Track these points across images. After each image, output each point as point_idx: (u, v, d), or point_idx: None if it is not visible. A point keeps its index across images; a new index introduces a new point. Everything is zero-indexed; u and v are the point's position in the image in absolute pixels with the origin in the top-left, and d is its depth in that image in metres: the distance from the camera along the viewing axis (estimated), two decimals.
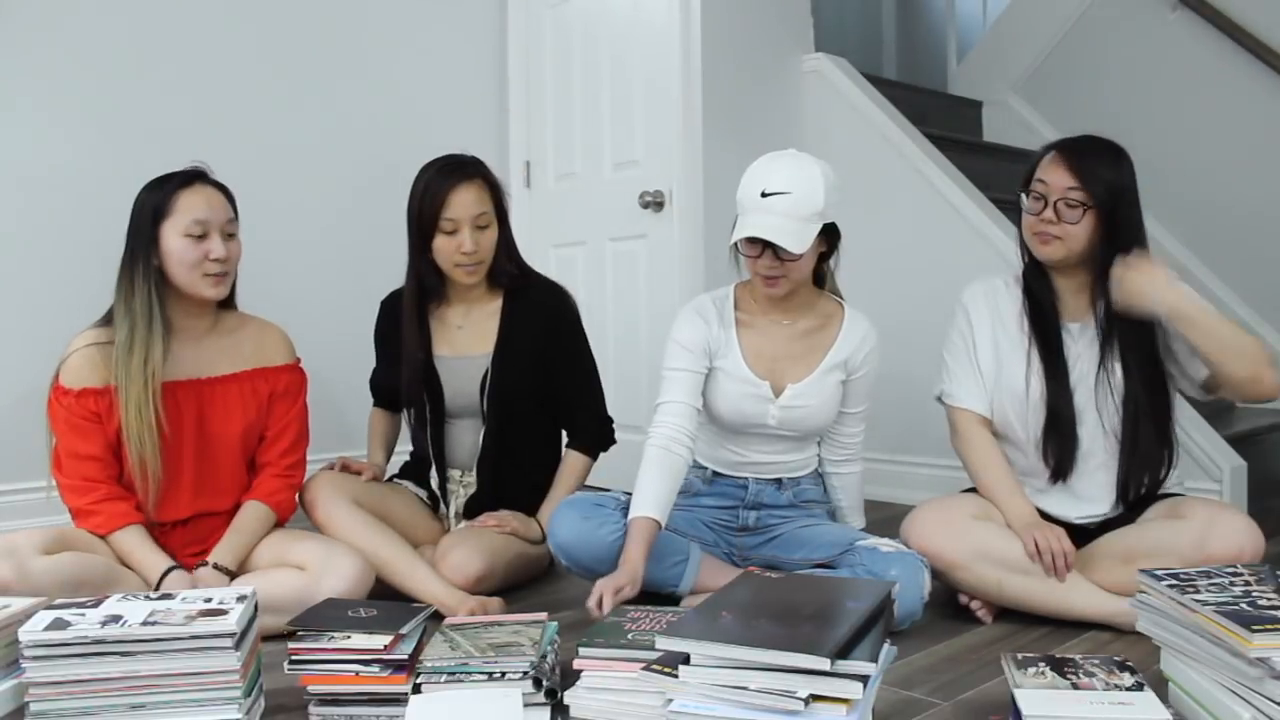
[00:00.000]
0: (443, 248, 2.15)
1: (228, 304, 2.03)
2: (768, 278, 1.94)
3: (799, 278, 1.97)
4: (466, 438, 2.28)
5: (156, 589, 1.81)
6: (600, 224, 3.34)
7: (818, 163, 1.92)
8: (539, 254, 3.59)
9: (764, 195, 1.87)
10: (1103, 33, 3.88)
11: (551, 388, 2.28)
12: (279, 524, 2.04)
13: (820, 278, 2.10)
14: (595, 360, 2.36)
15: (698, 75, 3.05)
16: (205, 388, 1.97)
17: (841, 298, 2.13)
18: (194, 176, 1.93)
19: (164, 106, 3.02)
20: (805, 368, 2.03)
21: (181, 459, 1.94)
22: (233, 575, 1.90)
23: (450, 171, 2.16)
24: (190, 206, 1.88)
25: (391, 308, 2.34)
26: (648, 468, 1.91)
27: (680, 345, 2.01)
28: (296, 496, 2.08)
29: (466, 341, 2.26)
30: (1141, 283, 1.80)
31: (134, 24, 2.98)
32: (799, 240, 1.86)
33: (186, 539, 1.98)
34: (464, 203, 2.13)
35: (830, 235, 1.99)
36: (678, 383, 1.99)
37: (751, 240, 1.90)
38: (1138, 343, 1.89)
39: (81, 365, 1.88)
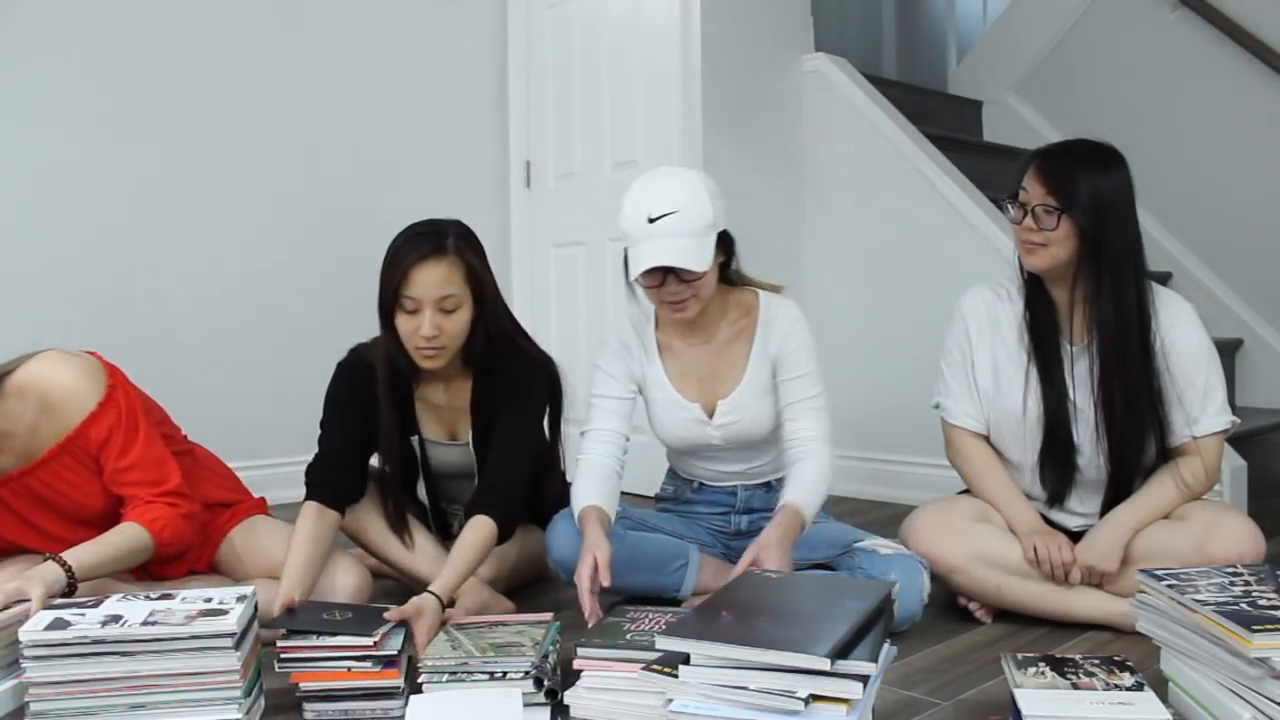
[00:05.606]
0: (402, 327, 1.92)
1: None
2: (675, 304, 1.85)
3: (707, 295, 1.88)
4: (462, 487, 2.17)
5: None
6: (600, 224, 3.33)
7: (695, 173, 1.87)
8: (539, 254, 3.60)
9: (651, 220, 1.77)
10: (1102, 33, 3.88)
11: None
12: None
13: (728, 278, 1.99)
14: (540, 441, 2.09)
15: (697, 75, 3.05)
16: (30, 477, 1.77)
17: (757, 283, 2.02)
18: None
19: (162, 107, 3.01)
20: (732, 380, 1.97)
21: (53, 541, 1.75)
22: (72, 581, 1.59)
23: (418, 244, 1.89)
24: None
25: (352, 374, 2.03)
26: (579, 478, 1.88)
27: (605, 373, 1.98)
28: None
29: (452, 422, 2.10)
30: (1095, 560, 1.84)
31: (134, 25, 2.98)
32: (700, 258, 1.78)
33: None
34: (427, 282, 1.87)
35: (725, 243, 1.89)
36: (605, 410, 1.95)
37: (649, 272, 1.79)
38: (1134, 368, 1.84)
39: None
